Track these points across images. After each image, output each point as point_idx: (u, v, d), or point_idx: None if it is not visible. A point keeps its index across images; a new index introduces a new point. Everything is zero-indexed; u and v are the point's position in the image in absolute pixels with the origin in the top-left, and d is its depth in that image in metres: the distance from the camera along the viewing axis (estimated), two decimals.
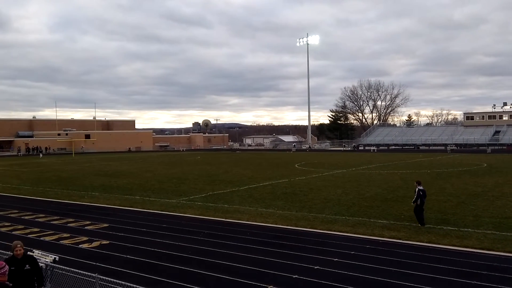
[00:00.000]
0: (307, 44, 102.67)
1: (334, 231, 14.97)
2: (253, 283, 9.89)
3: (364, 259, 11.57)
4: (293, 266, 11.04)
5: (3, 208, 20.87)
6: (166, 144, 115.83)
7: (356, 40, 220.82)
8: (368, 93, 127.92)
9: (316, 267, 10.91)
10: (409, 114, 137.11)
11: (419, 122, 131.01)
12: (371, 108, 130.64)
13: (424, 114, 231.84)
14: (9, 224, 17.17)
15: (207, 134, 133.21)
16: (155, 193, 25.19)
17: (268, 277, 10.22)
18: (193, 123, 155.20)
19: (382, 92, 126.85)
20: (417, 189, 15.84)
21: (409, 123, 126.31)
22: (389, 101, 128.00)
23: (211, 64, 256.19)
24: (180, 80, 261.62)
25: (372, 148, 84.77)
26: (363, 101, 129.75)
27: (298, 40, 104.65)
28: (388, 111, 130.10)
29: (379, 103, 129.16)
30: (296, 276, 10.27)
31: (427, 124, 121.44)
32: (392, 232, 14.62)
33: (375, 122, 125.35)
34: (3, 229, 16.22)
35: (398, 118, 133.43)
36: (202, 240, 13.99)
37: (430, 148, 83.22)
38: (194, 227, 15.96)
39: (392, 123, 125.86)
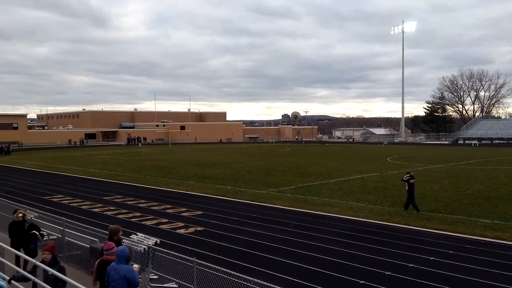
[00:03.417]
0: (403, 32, 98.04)
1: (430, 228, 14.22)
2: (343, 277, 9.75)
3: (464, 260, 10.87)
4: (385, 263, 10.70)
5: (109, 194, 22.72)
6: (255, 136, 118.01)
7: (454, 27, 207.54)
8: (470, 83, 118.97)
9: (410, 265, 10.46)
10: None
11: None
12: (472, 99, 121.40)
13: None
14: (114, 208, 18.66)
15: (296, 126, 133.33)
16: (246, 184, 25.79)
17: (359, 272, 10.00)
18: (282, 115, 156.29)
19: (486, 82, 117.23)
20: (407, 177, 17.37)
21: None
22: (494, 92, 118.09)
23: (298, 55, 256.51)
24: (268, 72, 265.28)
25: (473, 142, 79.02)
26: (464, 91, 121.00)
27: (392, 28, 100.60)
28: (492, 102, 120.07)
29: (482, 93, 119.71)
30: (389, 273, 9.94)
31: None
32: (495, 232, 13.55)
33: (477, 114, 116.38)
34: (109, 213, 17.67)
35: (504, 110, 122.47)
36: (292, 231, 14.08)
37: None
38: (284, 218, 16.10)
39: (496, 116, 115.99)
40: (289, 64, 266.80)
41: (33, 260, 7.60)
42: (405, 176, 17.60)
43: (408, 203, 17.25)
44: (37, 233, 9.74)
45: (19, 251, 9.42)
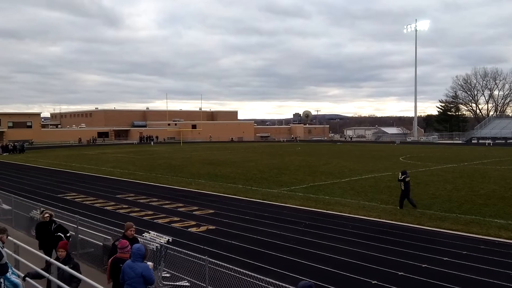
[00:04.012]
0: (416, 30, 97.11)
1: (444, 229, 14.08)
2: (356, 276, 9.70)
3: (478, 260, 10.75)
4: (398, 263, 10.62)
5: (121, 192, 22.88)
6: (267, 135, 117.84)
7: (467, 25, 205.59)
8: (484, 82, 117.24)
9: (423, 265, 10.37)
10: None
11: None
12: (486, 98, 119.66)
13: None
14: (127, 206, 18.79)
15: (307, 125, 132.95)
16: (257, 183, 25.78)
17: (372, 272, 9.94)
18: (293, 114, 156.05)
19: (500, 81, 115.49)
20: (403, 176, 17.60)
21: None
22: (508, 91, 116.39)
23: (309, 54, 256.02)
24: (280, 71, 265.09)
25: (487, 141, 78.08)
26: (478, 90, 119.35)
27: (405, 26, 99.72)
28: (507, 101, 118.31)
29: (496, 92, 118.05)
30: (402, 273, 9.86)
31: None
32: (510, 232, 13.37)
33: (491, 113, 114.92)
34: (121, 211, 17.80)
35: None
36: (303, 231, 14.04)
37: None
38: (295, 217, 16.06)
39: (511, 115, 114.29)
40: (300, 63, 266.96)
41: (47, 257, 7.67)
42: (401, 176, 17.78)
43: (402, 200, 17.58)
44: (63, 235, 9.45)
45: (46, 252, 9.30)
